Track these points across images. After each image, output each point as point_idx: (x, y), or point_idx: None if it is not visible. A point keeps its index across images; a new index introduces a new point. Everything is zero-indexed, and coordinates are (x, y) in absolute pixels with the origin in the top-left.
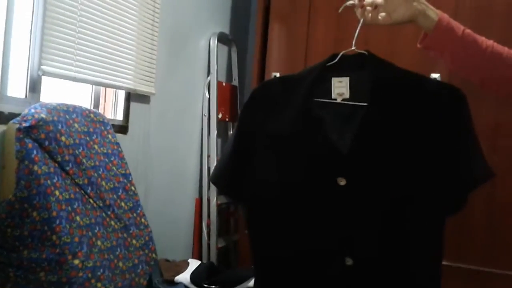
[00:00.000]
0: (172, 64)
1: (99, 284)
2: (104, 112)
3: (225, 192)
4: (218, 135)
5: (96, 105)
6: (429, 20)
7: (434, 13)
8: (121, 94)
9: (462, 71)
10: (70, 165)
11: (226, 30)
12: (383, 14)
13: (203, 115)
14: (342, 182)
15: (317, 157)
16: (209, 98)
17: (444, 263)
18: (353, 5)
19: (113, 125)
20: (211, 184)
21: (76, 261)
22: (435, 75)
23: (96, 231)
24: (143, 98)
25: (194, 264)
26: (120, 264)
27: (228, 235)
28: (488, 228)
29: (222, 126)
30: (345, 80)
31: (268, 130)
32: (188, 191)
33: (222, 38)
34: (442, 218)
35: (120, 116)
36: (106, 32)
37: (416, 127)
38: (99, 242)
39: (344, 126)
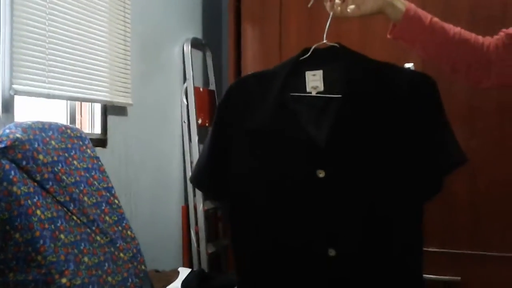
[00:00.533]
0: (147, 73)
1: None
2: (81, 127)
3: (205, 191)
4: (199, 141)
5: (73, 120)
6: (397, 11)
7: (402, 3)
8: (97, 107)
9: (433, 59)
10: (50, 183)
11: (199, 35)
12: (352, 6)
13: (183, 122)
14: (321, 174)
15: (295, 151)
16: (187, 105)
17: (430, 249)
18: None
19: (91, 139)
20: (197, 190)
21: (64, 280)
22: (408, 65)
23: (82, 247)
24: (120, 109)
25: (184, 272)
26: (109, 279)
27: (218, 240)
28: (471, 211)
29: (202, 131)
30: (319, 73)
31: (245, 126)
32: (173, 199)
33: (195, 44)
34: (420, 203)
35: (98, 130)
36: (77, 46)
37: (390, 116)
38: (86, 259)
39: (320, 118)
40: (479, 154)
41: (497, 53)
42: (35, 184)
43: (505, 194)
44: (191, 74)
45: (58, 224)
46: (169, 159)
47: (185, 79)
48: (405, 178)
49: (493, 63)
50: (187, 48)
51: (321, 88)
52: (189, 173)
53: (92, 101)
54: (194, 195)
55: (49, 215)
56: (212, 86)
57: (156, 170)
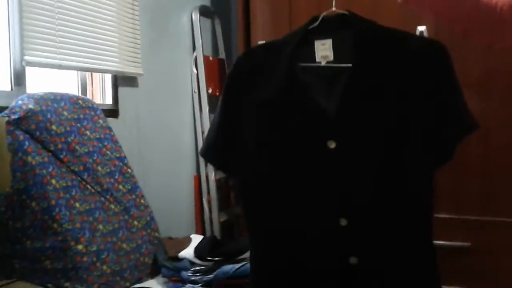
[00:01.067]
0: (156, 43)
1: (104, 267)
2: (92, 98)
3: (215, 165)
4: (210, 111)
5: (84, 91)
6: None
7: None
8: (108, 78)
9: (445, 22)
10: (64, 153)
11: (207, 2)
12: None
13: (193, 92)
14: (332, 145)
15: (306, 122)
16: (197, 74)
17: (441, 215)
18: None
19: (103, 109)
20: None
21: (80, 247)
22: (421, 28)
23: (96, 215)
24: (131, 80)
25: (197, 239)
26: (124, 245)
27: (230, 209)
28: (483, 177)
29: (213, 101)
30: (328, 42)
31: (254, 98)
32: (185, 169)
33: (204, 11)
34: (432, 170)
35: (109, 101)
36: (86, 16)
37: (401, 83)
38: (100, 226)
39: (331, 89)
40: (492, 119)
41: (511, 14)
42: (49, 154)
43: None
44: (200, 43)
45: (73, 193)
46: (180, 129)
47: (194, 48)
48: (416, 145)
49: (507, 24)
50: (196, 16)
51: (331, 58)
52: (200, 143)
53: (102, 71)
54: (206, 165)
55: (64, 184)
56: (222, 55)
57: (167, 140)
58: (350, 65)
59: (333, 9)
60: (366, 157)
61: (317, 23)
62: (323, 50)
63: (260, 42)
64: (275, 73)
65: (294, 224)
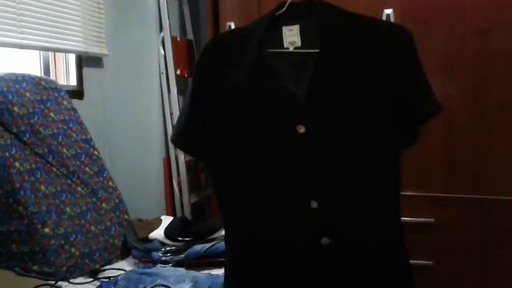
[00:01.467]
0: (121, 23)
1: (73, 249)
2: (55, 79)
3: (186, 151)
4: (178, 92)
5: (46, 72)
6: None
7: None
8: (72, 59)
9: (408, 9)
10: (27, 135)
11: None
12: None
13: (161, 73)
14: (302, 129)
15: (274, 107)
16: (164, 55)
17: (407, 192)
18: None
19: (67, 91)
20: None
21: (47, 230)
22: (388, 11)
23: (63, 198)
24: (96, 60)
25: (167, 220)
26: (92, 228)
27: (200, 190)
28: (446, 155)
29: (181, 82)
30: (295, 28)
31: (223, 84)
32: (154, 151)
33: None
34: (398, 152)
35: (73, 82)
36: None
37: (368, 67)
38: (67, 209)
39: (299, 74)
40: (454, 99)
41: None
42: (12, 136)
43: (477, 139)
44: (168, 23)
45: (38, 176)
46: (148, 111)
47: (161, 28)
48: (382, 128)
49: (467, 9)
50: None
51: (299, 43)
52: (169, 125)
53: (66, 51)
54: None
55: (28, 167)
56: (190, 36)
57: (135, 122)
58: (317, 50)
59: None
60: (335, 140)
61: (284, 9)
62: (291, 36)
63: (228, 23)
64: (243, 59)
65: (266, 207)
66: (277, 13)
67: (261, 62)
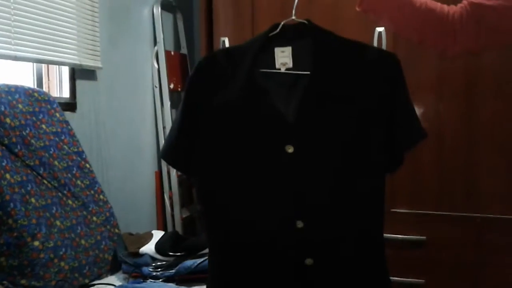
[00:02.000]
0: (115, 36)
1: (62, 263)
2: (48, 91)
3: (175, 167)
4: (171, 106)
5: (40, 84)
6: None
7: None
8: (65, 71)
9: (401, 30)
10: (19, 147)
11: None
12: None
13: (154, 87)
14: (290, 149)
15: (264, 127)
16: (158, 69)
17: (400, 210)
18: None
19: (59, 103)
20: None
21: (36, 243)
22: (379, 29)
23: (53, 211)
24: (89, 73)
25: (158, 234)
26: (82, 241)
27: (192, 205)
28: (438, 173)
29: (175, 96)
30: (288, 50)
31: (214, 103)
32: (146, 165)
33: (166, 5)
34: (383, 175)
35: (66, 94)
36: (43, 7)
37: (357, 91)
38: (58, 222)
39: (290, 95)
40: (445, 120)
41: (461, 22)
42: (3, 147)
43: (469, 157)
44: (162, 37)
45: (29, 188)
46: (141, 124)
47: (155, 42)
48: (369, 151)
49: (458, 31)
50: (157, 10)
51: (290, 65)
52: (161, 138)
53: (60, 63)
54: None
55: (19, 179)
56: (184, 50)
57: (127, 135)
58: (308, 72)
59: (293, 17)
60: (322, 162)
61: (277, 30)
62: (283, 57)
63: (222, 38)
64: (235, 78)
65: (252, 226)
66: (270, 34)
67: (252, 81)
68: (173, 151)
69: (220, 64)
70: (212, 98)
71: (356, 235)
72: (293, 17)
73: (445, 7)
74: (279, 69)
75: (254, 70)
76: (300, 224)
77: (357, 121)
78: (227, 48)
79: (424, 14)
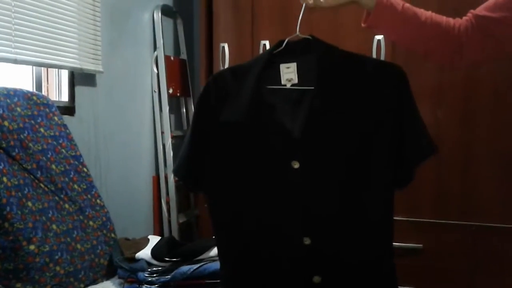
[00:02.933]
0: (116, 41)
1: (57, 268)
2: (47, 94)
3: (186, 183)
4: (170, 111)
5: (39, 88)
6: (370, 0)
7: None
8: (64, 75)
9: (407, 44)
10: (16, 150)
11: (169, 2)
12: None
13: (153, 91)
14: (296, 165)
15: (271, 142)
16: (157, 74)
17: (397, 218)
18: None
19: (58, 107)
20: (167, 160)
21: (32, 247)
22: (378, 37)
23: (50, 215)
24: (88, 77)
25: (154, 240)
26: (78, 246)
27: (189, 210)
28: (435, 181)
29: (174, 101)
30: (293, 66)
31: (222, 120)
32: (144, 169)
33: (166, 11)
34: (392, 192)
35: (65, 98)
36: (45, 11)
37: (362, 105)
38: (54, 226)
39: (296, 111)
40: (443, 128)
41: (467, 35)
42: (1, 151)
43: (466, 166)
44: (162, 42)
45: (25, 192)
46: (140, 129)
47: (155, 47)
48: (376, 168)
49: (464, 44)
50: (157, 15)
51: (296, 81)
52: (160, 144)
53: (61, 67)
54: (165, 166)
55: (16, 182)
56: (183, 55)
57: (126, 140)
58: (313, 88)
59: (297, 33)
60: (328, 177)
61: (282, 47)
62: (288, 73)
63: (222, 44)
64: (242, 95)
65: (260, 242)
66: (275, 51)
67: (258, 97)
68: (184, 169)
69: (227, 82)
70: (220, 116)
71: (364, 251)
72: (297, 33)
73: (451, 20)
74: (285, 85)
75: (259, 86)
76: (307, 240)
77: (361, 135)
78: (234, 66)
79: (430, 28)
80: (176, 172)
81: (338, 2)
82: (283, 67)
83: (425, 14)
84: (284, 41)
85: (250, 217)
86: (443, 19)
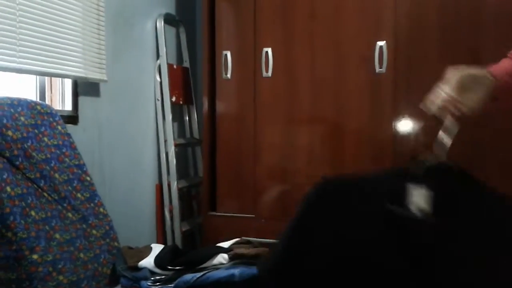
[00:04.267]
0: (119, 50)
1: (61, 277)
2: (51, 103)
3: (278, 283)
4: (173, 119)
5: (42, 97)
6: (488, 82)
7: (483, 73)
8: (68, 84)
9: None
10: (20, 159)
11: (172, 10)
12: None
13: (156, 100)
14: None
15: (391, 267)
16: (160, 82)
17: None
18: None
19: (62, 116)
20: (170, 168)
21: (35, 256)
22: (381, 43)
23: (53, 224)
24: (92, 86)
25: (157, 248)
26: (81, 255)
27: (192, 218)
28: None
29: (176, 109)
30: (424, 193)
31: (339, 236)
32: (147, 178)
33: (168, 20)
34: None
35: (68, 107)
36: (49, 20)
37: (489, 242)
38: (57, 235)
39: (420, 237)
40: None
41: None
42: (4, 160)
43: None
44: (164, 50)
45: (29, 201)
46: (143, 137)
47: (158, 55)
48: None
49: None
50: (160, 24)
51: (424, 206)
52: (163, 152)
53: (65, 76)
54: (168, 173)
55: (19, 192)
56: (186, 63)
57: (129, 148)
58: (444, 216)
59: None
60: None
61: (421, 172)
62: (417, 197)
63: (225, 52)
64: (367, 213)
65: None
66: (405, 172)
67: (383, 219)
68: (276, 271)
69: (345, 196)
70: (336, 231)
71: None
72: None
73: None
74: (415, 213)
75: (386, 206)
76: None
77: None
78: (349, 180)
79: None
80: (266, 273)
81: (479, 104)
82: (411, 188)
83: None
84: (418, 159)
85: None
86: None
